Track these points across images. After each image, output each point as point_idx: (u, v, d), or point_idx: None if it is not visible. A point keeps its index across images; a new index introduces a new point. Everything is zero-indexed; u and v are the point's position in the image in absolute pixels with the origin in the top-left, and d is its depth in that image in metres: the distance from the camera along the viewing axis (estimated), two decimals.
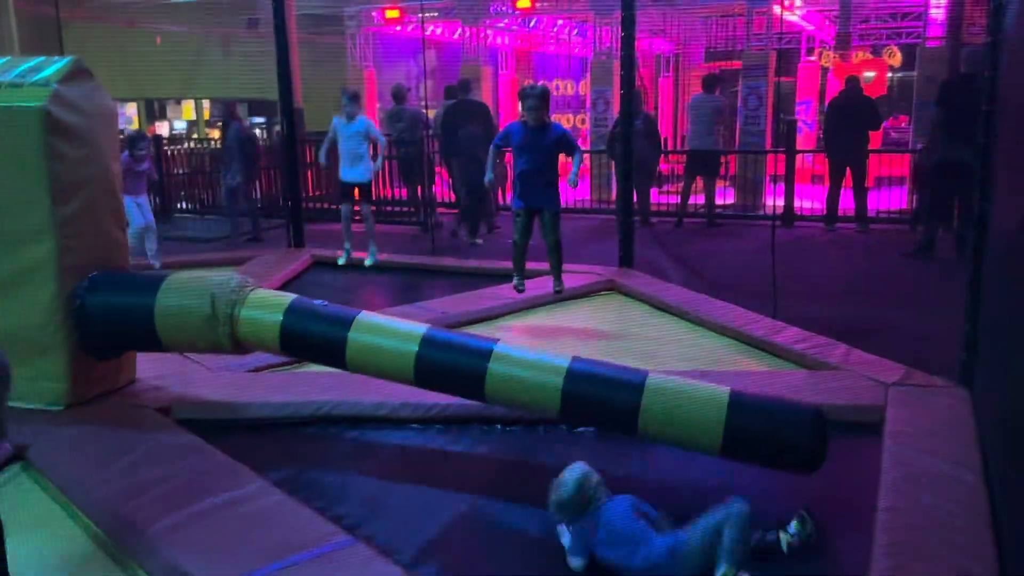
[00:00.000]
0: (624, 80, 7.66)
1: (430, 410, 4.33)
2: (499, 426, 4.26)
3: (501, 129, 10.24)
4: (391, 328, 3.95)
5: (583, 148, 13.04)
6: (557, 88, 15.08)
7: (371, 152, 7.89)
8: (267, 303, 4.14)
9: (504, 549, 3.17)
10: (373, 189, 8.26)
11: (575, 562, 2.97)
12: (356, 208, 7.96)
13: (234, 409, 4.40)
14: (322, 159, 7.88)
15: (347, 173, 7.67)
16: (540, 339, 5.83)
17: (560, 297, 6.43)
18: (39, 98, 4.10)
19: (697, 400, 3.46)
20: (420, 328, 3.93)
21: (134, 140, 8.16)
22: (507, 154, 10.41)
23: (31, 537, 3.14)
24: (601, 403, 3.59)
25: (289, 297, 4.17)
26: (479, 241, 9.45)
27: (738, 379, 4.65)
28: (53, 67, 4.26)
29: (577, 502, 3.00)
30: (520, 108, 5.44)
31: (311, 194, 11.91)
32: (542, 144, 5.28)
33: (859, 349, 5.04)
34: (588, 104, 13.51)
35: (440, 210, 10.82)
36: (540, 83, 6.24)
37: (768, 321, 5.77)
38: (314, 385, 4.69)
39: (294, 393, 4.55)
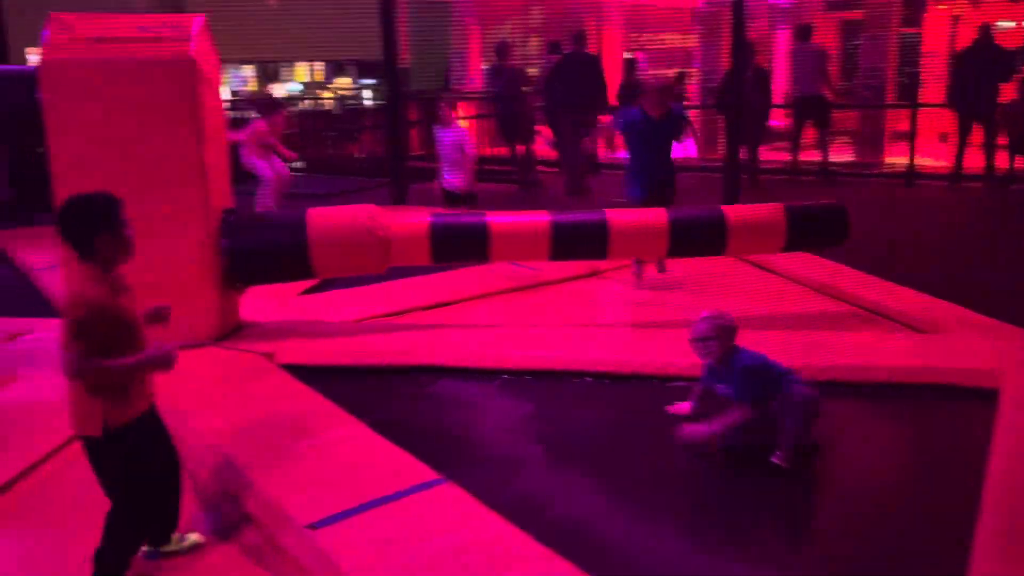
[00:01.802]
0: (735, 30, 7.37)
1: (522, 361, 4.35)
2: (588, 378, 4.24)
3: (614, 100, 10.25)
4: (520, 219, 4.99)
5: (692, 102, 12.72)
6: (664, 42, 14.64)
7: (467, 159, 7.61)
8: (409, 223, 4.88)
9: (591, 500, 3.16)
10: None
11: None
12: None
13: (335, 355, 4.52)
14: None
15: (447, 180, 7.61)
16: (642, 292, 5.76)
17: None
18: (184, 51, 4.33)
19: (763, 216, 5.06)
20: (543, 215, 4.93)
21: (271, 104, 7.82)
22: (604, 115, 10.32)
23: None
24: (699, 236, 5.04)
25: (421, 213, 4.96)
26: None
27: (846, 345, 4.48)
28: (186, 23, 4.48)
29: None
30: (642, 98, 5.44)
31: (415, 154, 12.05)
32: (664, 132, 5.33)
33: (978, 313, 4.74)
34: (697, 58, 13.08)
35: (540, 168, 10.75)
36: (662, 75, 6.34)
37: (882, 282, 5.50)
38: (412, 334, 4.81)
39: (393, 342, 4.66)
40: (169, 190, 4.39)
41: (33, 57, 12.57)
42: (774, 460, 3.28)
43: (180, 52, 4.34)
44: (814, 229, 5.18)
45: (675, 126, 5.53)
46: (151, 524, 2.77)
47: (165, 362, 2.59)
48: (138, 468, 2.65)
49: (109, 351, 2.49)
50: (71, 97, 4.22)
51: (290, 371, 4.23)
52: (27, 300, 5.76)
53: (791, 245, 5.13)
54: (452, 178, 7.45)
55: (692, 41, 13.91)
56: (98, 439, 2.57)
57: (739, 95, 7.44)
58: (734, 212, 5.13)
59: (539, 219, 4.93)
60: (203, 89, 4.45)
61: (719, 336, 3.44)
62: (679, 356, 4.25)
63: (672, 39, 15.05)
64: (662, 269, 5.83)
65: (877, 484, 3.26)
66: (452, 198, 7.55)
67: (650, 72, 12.18)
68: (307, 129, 13.70)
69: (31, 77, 4.38)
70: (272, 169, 7.13)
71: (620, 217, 4.98)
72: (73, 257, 2.58)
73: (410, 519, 2.81)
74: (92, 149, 4.25)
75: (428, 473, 3.10)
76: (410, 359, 4.44)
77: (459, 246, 4.94)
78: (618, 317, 5.37)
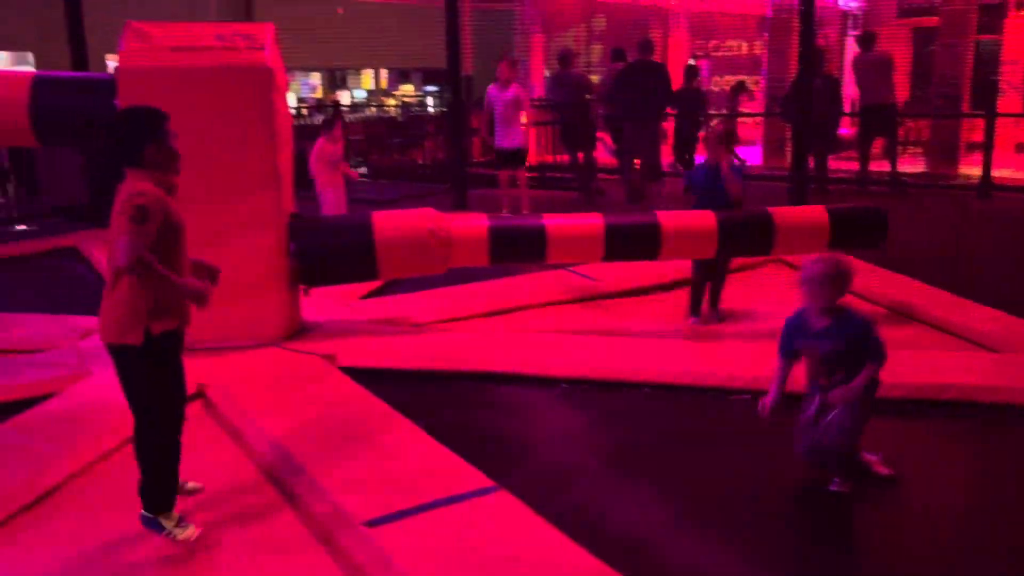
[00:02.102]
0: (803, 37, 7.23)
1: (581, 370, 4.32)
2: (647, 388, 4.19)
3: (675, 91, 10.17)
4: (575, 221, 5.13)
5: (758, 111, 12.53)
6: (730, 49, 14.48)
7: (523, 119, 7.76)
8: (469, 225, 4.98)
9: (648, 514, 3.11)
10: (532, 155, 8.18)
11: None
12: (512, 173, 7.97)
13: (394, 360, 4.56)
14: (487, 135, 7.89)
15: (501, 140, 7.67)
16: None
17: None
18: (261, 59, 4.45)
19: (809, 219, 5.30)
20: (597, 217, 5.08)
21: (330, 120, 7.38)
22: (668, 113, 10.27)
23: (203, 465, 3.40)
24: (748, 237, 5.18)
25: (480, 216, 5.09)
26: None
27: (916, 360, 4.34)
28: (259, 32, 4.60)
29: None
30: (707, 149, 5.35)
31: (477, 160, 12.12)
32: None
33: None
34: (764, 66, 12.89)
35: (600, 175, 10.70)
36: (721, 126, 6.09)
37: (953, 298, 5.32)
38: (471, 340, 4.83)
39: (452, 347, 4.69)
40: (245, 195, 4.52)
41: (114, 64, 13.07)
42: (832, 488, 3.17)
43: (257, 60, 4.45)
44: (855, 231, 5.33)
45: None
46: (177, 443, 2.86)
47: (201, 297, 2.71)
48: (168, 378, 2.78)
49: (159, 250, 2.63)
50: (150, 103, 4.34)
51: (350, 374, 4.29)
52: (95, 299, 5.95)
53: (833, 246, 5.19)
54: (505, 138, 7.57)
55: (759, 48, 13.73)
56: (135, 347, 2.68)
57: (807, 103, 7.29)
58: (780, 213, 5.25)
59: (594, 221, 5.05)
60: (276, 96, 4.56)
61: (838, 280, 3.09)
62: (741, 368, 4.19)
63: (739, 46, 14.87)
64: (718, 316, 5.41)
65: (946, 508, 3.14)
66: (505, 157, 7.65)
67: (713, 77, 12.06)
68: (371, 135, 13.91)
69: (107, 84, 4.54)
70: (335, 197, 6.89)
71: (671, 219, 5.08)
72: (127, 170, 2.73)
73: (464, 525, 2.81)
74: None
75: (483, 480, 3.10)
76: (469, 365, 4.45)
77: (517, 248, 5.06)
78: (678, 327, 5.30)
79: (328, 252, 4.87)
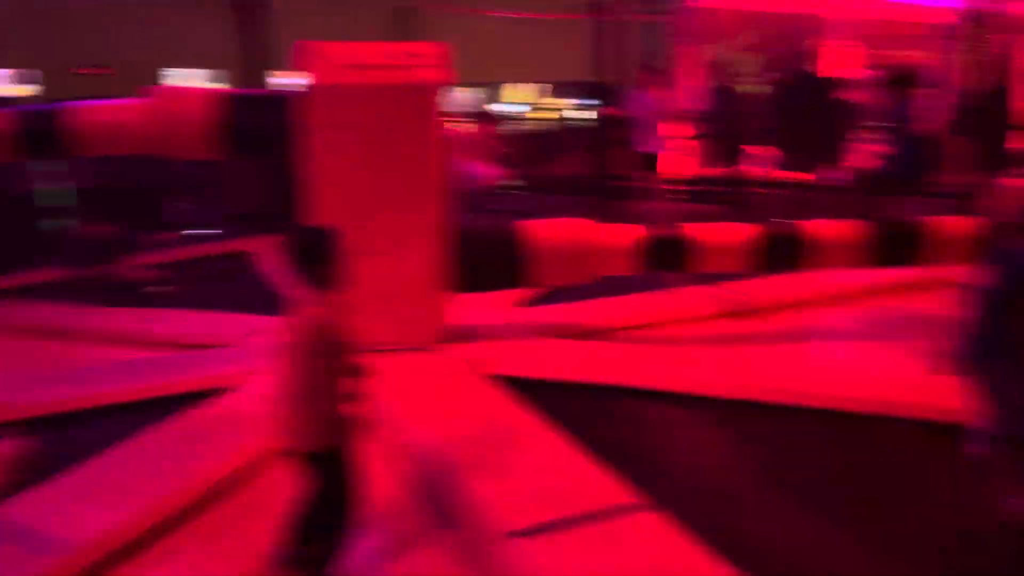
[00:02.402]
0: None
1: (735, 390, 4.23)
2: (806, 414, 4.03)
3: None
4: (725, 230, 5.20)
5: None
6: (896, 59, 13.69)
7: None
8: (617, 234, 5.08)
9: (805, 541, 2.99)
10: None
11: None
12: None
13: (543, 370, 4.61)
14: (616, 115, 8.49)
15: (641, 143, 8.12)
16: (867, 326, 5.47)
17: (892, 284, 6.14)
18: (431, 77, 4.65)
19: (959, 229, 5.17)
20: (745, 227, 5.19)
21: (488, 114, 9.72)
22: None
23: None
24: (898, 246, 5.25)
25: (630, 226, 5.15)
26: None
27: None
28: (424, 51, 4.77)
29: None
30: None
31: (623, 173, 12.02)
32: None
33: None
34: (935, 76, 12.10)
35: (754, 189, 10.37)
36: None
37: None
38: (621, 353, 4.85)
39: (602, 360, 4.71)
40: (412, 205, 4.71)
41: (275, 80, 13.87)
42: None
43: (427, 78, 4.62)
44: None
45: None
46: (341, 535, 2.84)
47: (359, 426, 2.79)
48: (350, 476, 2.81)
49: (336, 369, 2.70)
50: (334, 118, 4.60)
51: (498, 381, 4.36)
52: (266, 300, 6.33)
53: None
54: (645, 142, 8.17)
55: (929, 58, 12.91)
56: (318, 452, 2.74)
57: (984, 118, 6.81)
58: (930, 223, 5.31)
59: (742, 231, 5.15)
60: (439, 111, 4.72)
61: None
62: (910, 394, 3.97)
63: (904, 56, 14.05)
64: None
65: None
66: (644, 162, 8.17)
67: None
68: (521, 148, 14.10)
69: (278, 99, 4.84)
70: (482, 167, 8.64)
71: (819, 229, 5.18)
72: (304, 284, 2.77)
73: (611, 540, 2.81)
74: (348, 166, 4.61)
75: (630, 497, 3.08)
76: (619, 379, 4.45)
77: (667, 257, 5.10)
78: (836, 349, 5.08)
79: (481, 259, 4.99)
